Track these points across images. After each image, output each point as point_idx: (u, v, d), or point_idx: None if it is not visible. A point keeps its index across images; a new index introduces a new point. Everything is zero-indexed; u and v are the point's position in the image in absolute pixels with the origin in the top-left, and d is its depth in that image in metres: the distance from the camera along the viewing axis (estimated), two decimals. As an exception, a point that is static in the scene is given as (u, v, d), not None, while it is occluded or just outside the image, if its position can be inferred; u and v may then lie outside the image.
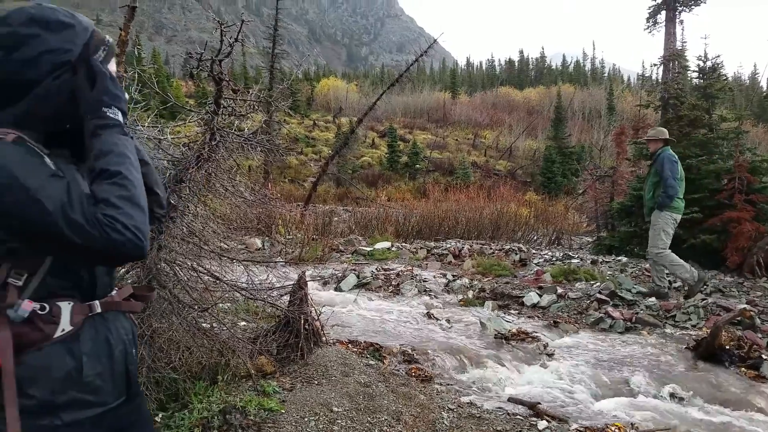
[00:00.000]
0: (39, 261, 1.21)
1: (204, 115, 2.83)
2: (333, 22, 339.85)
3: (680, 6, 21.82)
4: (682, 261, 6.68)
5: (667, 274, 6.83)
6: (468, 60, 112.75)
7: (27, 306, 1.21)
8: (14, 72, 1.17)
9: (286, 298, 4.28)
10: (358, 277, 8.01)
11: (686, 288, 6.75)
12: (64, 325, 1.24)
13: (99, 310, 1.32)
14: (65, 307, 1.25)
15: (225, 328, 3.65)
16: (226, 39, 2.44)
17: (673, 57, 18.38)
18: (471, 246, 10.62)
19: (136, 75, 3.02)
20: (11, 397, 1.12)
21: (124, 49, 3.20)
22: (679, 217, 6.70)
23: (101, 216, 1.12)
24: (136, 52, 35.85)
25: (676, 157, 6.68)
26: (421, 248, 10.50)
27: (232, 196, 3.34)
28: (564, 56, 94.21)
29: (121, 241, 1.13)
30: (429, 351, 4.72)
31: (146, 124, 2.75)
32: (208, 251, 3.32)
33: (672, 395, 4.26)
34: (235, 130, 3.15)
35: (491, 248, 10.38)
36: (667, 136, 6.82)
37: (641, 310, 6.44)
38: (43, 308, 1.22)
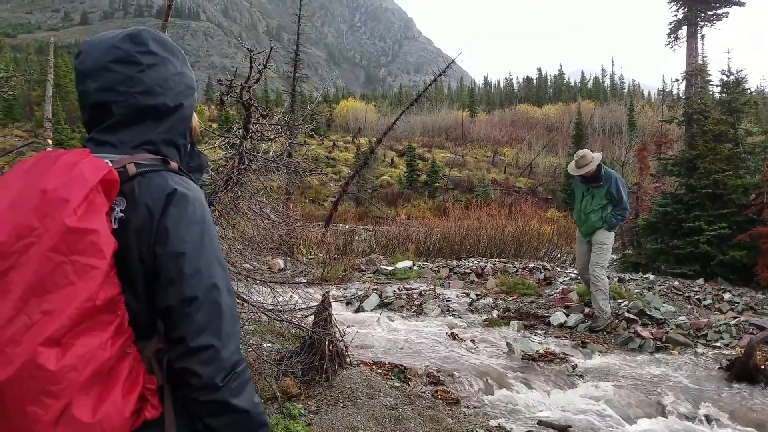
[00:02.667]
0: None
1: (232, 140, 2.89)
2: (351, 45, 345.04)
3: (702, 21, 21.68)
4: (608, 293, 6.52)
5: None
6: (486, 78, 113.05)
7: None
8: (155, 90, 1.11)
9: (311, 318, 4.29)
10: (380, 296, 7.98)
11: (593, 320, 6.49)
12: None
13: None
14: None
15: (251, 349, 3.67)
16: (255, 65, 2.50)
17: (696, 72, 18.17)
18: (494, 264, 10.51)
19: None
20: None
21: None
22: None
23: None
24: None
25: None
26: (443, 267, 10.43)
27: (258, 217, 3.38)
28: (582, 73, 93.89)
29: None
30: (455, 372, 4.67)
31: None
32: (234, 273, 3.36)
33: (707, 417, 4.13)
34: (260, 154, 3.21)
35: (514, 266, 10.26)
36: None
37: (671, 328, 6.29)
38: None
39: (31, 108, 39.84)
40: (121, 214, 0.99)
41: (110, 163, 0.98)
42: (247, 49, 2.52)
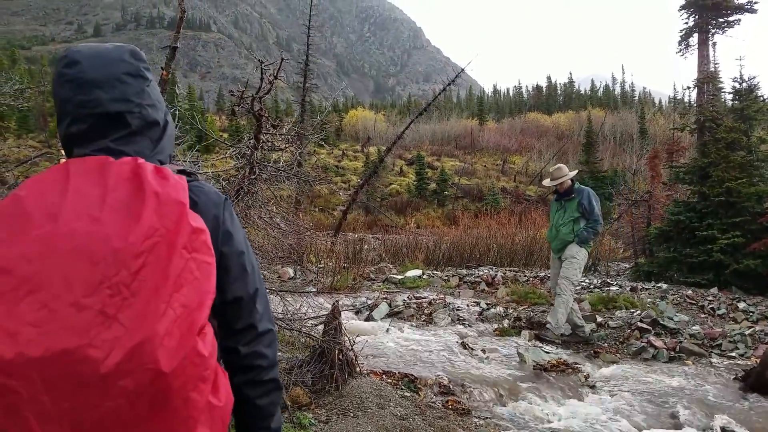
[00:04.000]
0: None
1: (243, 150, 2.90)
2: (360, 55, 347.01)
3: (713, 29, 21.57)
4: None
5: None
6: (495, 87, 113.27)
7: None
8: (156, 105, 1.16)
9: (320, 327, 4.29)
10: (389, 305, 7.97)
11: (547, 331, 6.31)
12: None
13: None
14: None
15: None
16: (266, 76, 2.52)
17: (708, 79, 18.07)
18: (504, 273, 10.46)
19: (176, 112, 3.14)
20: None
21: (165, 87, 3.34)
22: None
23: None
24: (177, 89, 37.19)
25: None
26: (453, 276, 10.40)
27: (268, 227, 3.39)
28: (593, 80, 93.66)
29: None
30: (465, 382, 4.64)
31: (187, 159, 2.83)
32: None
33: (723, 429, 4.06)
34: (270, 163, 3.22)
35: (525, 275, 10.21)
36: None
37: (685, 338, 6.21)
38: None
39: (45, 119, 40.42)
40: None
41: None
42: (258, 60, 2.54)
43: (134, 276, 0.86)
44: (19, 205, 0.92)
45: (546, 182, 6.56)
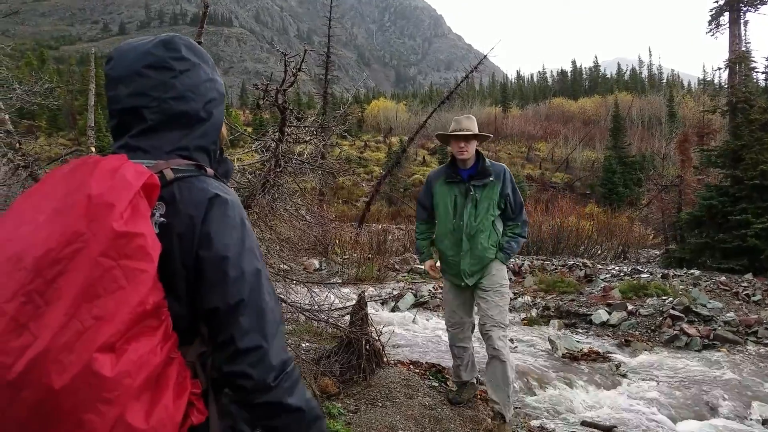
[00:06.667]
0: None
1: (268, 143, 2.92)
2: (381, 45, 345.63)
3: (744, 6, 20.84)
4: None
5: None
6: (518, 73, 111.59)
7: None
8: (187, 96, 1.11)
9: (347, 318, 4.30)
10: (415, 296, 7.96)
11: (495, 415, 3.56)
12: None
13: None
14: None
15: (290, 349, 3.70)
16: (289, 69, 2.52)
17: (739, 59, 17.48)
18: (531, 262, 10.35)
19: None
20: None
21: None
22: None
23: None
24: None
25: None
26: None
27: (294, 219, 3.41)
28: (619, 64, 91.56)
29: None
30: (494, 372, 4.60)
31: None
32: (273, 274, 3.39)
33: (762, 418, 3.96)
34: (295, 156, 3.23)
35: (553, 264, 10.08)
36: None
37: (719, 326, 6.07)
38: None
39: (74, 117, 41.35)
40: (162, 219, 0.99)
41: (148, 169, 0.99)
42: (282, 53, 2.54)
43: (49, 284, 0.82)
44: (9, 208, 0.94)
45: (450, 131, 3.62)
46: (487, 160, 3.62)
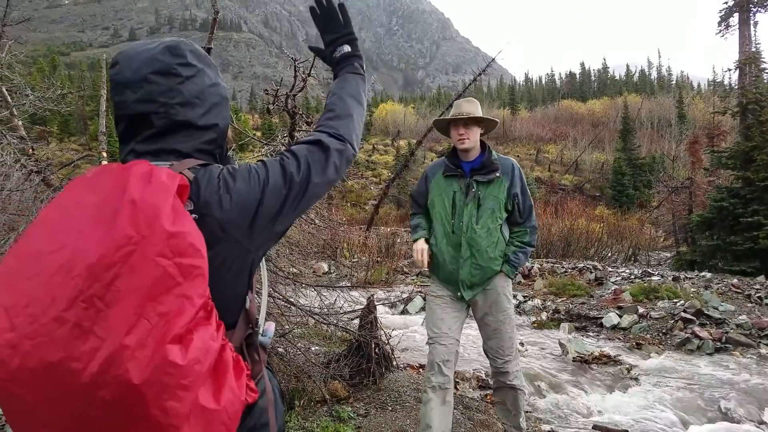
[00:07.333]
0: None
1: (278, 147, 2.93)
2: (389, 49, 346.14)
3: (755, 7, 20.69)
4: None
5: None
6: (526, 75, 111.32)
7: (271, 327, 1.24)
8: (193, 102, 1.13)
9: (356, 321, 4.31)
10: (424, 299, 7.94)
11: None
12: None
13: None
14: (271, 327, 1.26)
15: (300, 353, 3.71)
16: (299, 74, 2.53)
17: (750, 60, 17.34)
18: (541, 265, 10.31)
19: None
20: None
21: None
22: None
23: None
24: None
25: None
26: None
27: (303, 222, 3.42)
28: (627, 66, 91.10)
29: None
30: (504, 375, 4.58)
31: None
32: (282, 277, 3.40)
33: (776, 423, 3.91)
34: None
35: (563, 267, 10.03)
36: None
37: (731, 328, 6.00)
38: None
39: (85, 122, 41.73)
40: (194, 215, 1.04)
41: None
42: (291, 58, 2.55)
43: (107, 287, 0.86)
44: (37, 220, 0.97)
45: (452, 114, 3.07)
46: (494, 152, 3.11)
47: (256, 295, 1.24)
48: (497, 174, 2.99)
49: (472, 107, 3.03)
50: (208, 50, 3.03)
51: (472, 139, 3.00)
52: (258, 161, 1.18)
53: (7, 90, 4.36)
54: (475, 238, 2.95)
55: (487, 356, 3.09)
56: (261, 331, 1.19)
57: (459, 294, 3.02)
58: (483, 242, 2.95)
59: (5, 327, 0.88)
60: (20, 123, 4.38)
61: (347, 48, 1.46)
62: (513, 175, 3.03)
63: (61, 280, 0.88)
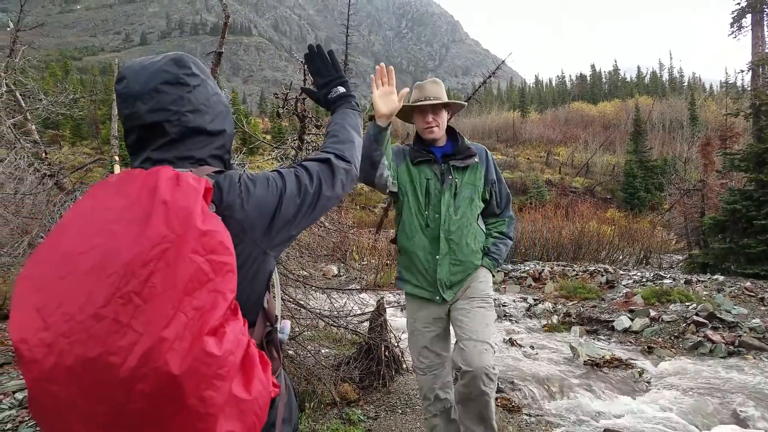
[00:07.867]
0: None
1: (288, 150, 2.95)
2: (398, 52, 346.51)
3: (768, 8, 20.52)
4: None
5: None
6: (537, 77, 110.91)
7: (287, 325, 1.31)
8: (201, 109, 1.19)
9: (366, 324, 4.31)
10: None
11: None
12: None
13: None
14: (287, 325, 1.32)
15: (310, 355, 3.72)
16: (309, 78, 2.54)
17: (762, 61, 17.17)
18: (552, 268, 10.26)
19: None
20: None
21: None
22: None
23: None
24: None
25: None
26: (498, 271, 10.27)
27: (313, 225, 3.43)
28: (639, 67, 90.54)
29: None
30: (514, 379, 4.57)
31: (234, 162, 2.89)
32: (293, 280, 3.41)
33: (792, 428, 3.86)
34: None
35: (574, 270, 9.97)
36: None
37: (744, 332, 5.93)
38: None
39: (97, 126, 42.16)
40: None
41: None
42: (301, 62, 2.57)
43: (144, 284, 0.90)
44: (61, 224, 1.02)
45: (415, 100, 2.85)
46: (462, 138, 2.83)
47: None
48: (475, 159, 2.74)
49: (438, 89, 2.75)
50: (220, 54, 3.06)
51: (441, 125, 2.74)
52: (273, 171, 1.26)
53: (20, 95, 4.43)
54: (453, 231, 2.67)
55: (457, 346, 2.61)
56: (279, 329, 1.25)
57: (438, 297, 2.67)
58: (463, 234, 2.67)
59: (38, 327, 0.91)
60: (34, 127, 4.44)
61: (342, 89, 1.62)
62: (488, 162, 2.81)
63: (95, 278, 0.92)
